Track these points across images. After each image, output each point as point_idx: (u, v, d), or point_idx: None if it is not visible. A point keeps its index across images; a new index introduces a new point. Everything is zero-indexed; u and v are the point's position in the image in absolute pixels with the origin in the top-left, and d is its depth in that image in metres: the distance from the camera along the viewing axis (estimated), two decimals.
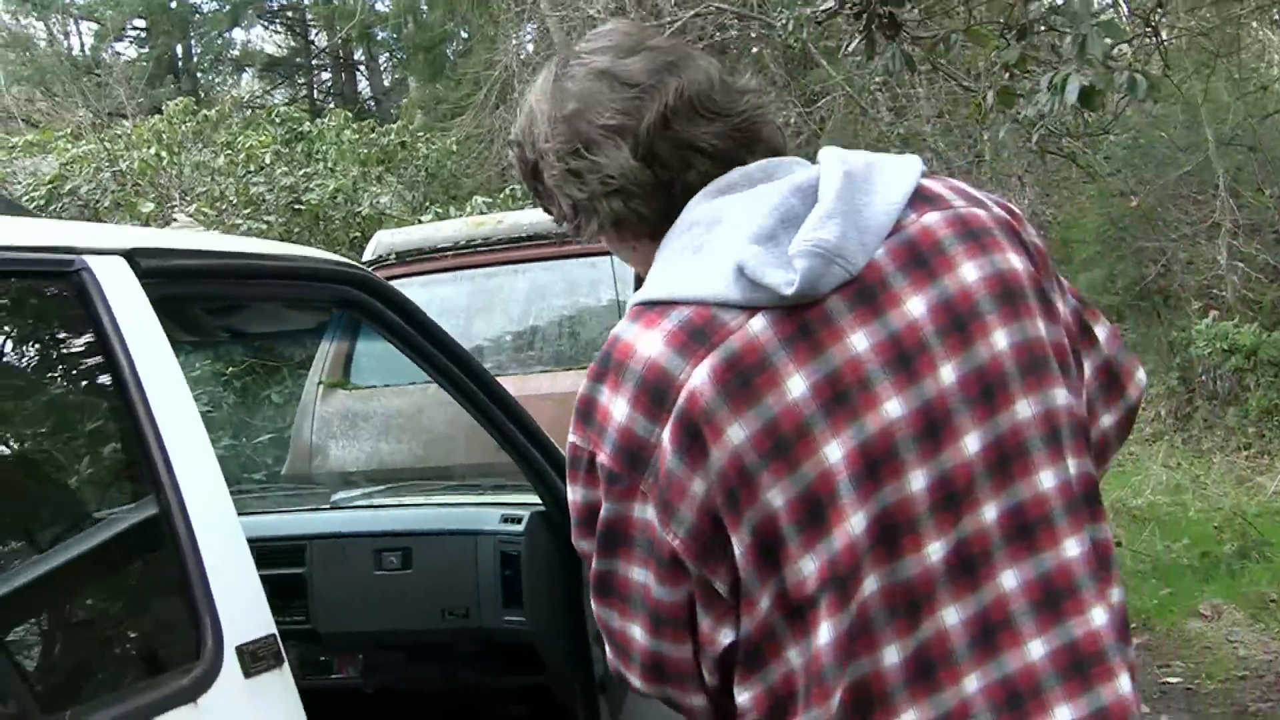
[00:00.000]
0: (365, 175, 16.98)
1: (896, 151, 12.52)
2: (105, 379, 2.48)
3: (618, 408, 1.98)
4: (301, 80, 38.82)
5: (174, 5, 37.17)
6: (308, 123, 18.28)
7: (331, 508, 4.71)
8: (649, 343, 1.97)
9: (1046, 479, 1.99)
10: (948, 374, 1.97)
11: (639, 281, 2.17)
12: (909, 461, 1.93)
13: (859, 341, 1.95)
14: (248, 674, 2.40)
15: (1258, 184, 15.97)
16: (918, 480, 1.93)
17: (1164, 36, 7.81)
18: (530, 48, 26.05)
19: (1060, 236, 18.73)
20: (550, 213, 2.28)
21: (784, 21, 17.89)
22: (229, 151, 15.72)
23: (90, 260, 2.50)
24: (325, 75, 39.67)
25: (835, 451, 1.90)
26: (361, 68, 38.96)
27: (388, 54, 38.26)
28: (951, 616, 1.93)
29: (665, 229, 2.10)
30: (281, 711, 2.49)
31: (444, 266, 7.81)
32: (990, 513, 1.95)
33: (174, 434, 2.46)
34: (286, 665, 2.51)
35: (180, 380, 2.56)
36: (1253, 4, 12.00)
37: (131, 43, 37.80)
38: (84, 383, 2.68)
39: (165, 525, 2.40)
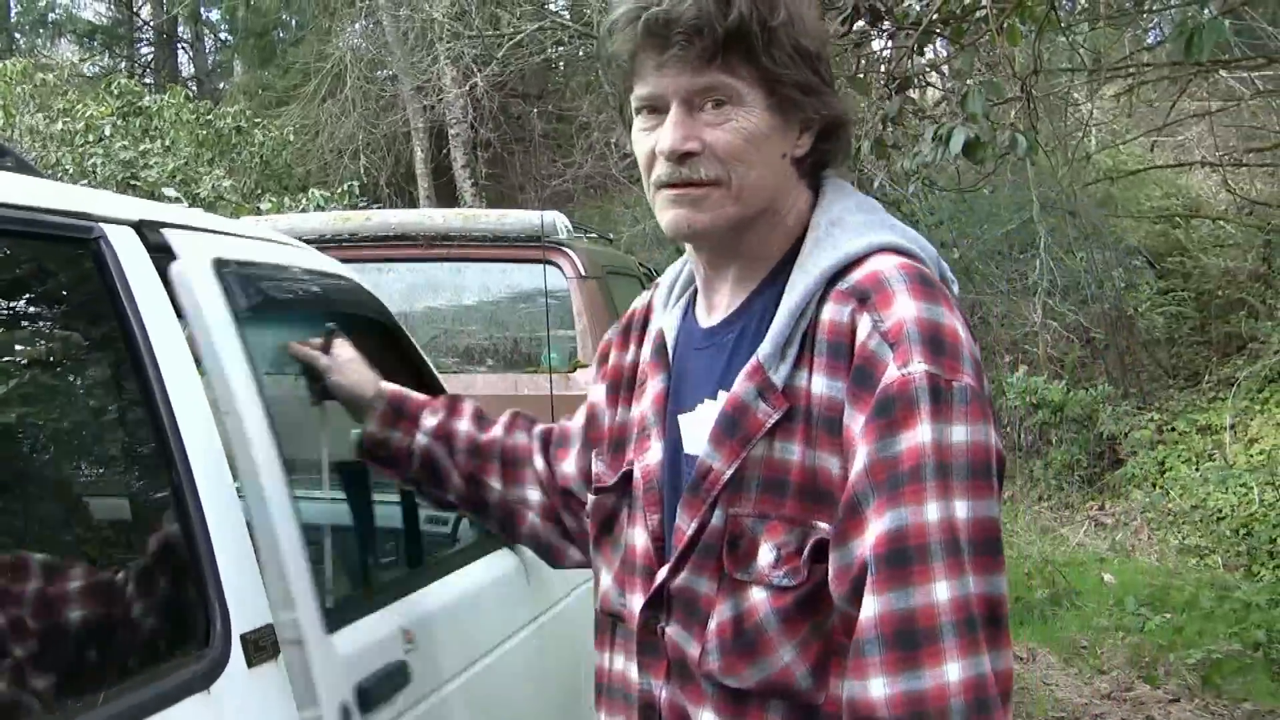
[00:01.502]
0: (199, 157, 16.71)
1: None
2: (121, 354, 2.47)
3: (962, 331, 2.04)
4: (121, 52, 37.97)
5: None
6: (147, 97, 17.93)
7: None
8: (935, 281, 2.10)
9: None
10: None
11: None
12: None
13: None
14: (250, 663, 2.40)
15: (1070, 247, 16.50)
16: None
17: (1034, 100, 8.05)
18: (363, 43, 25.86)
19: None
20: (729, 52, 2.13)
21: None
22: (67, 119, 15.35)
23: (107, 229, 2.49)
24: (146, 49, 38.88)
25: None
26: (185, 45, 38.28)
27: (213, 35, 37.69)
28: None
29: (811, 185, 2.29)
30: (279, 702, 2.49)
31: None
32: None
33: (184, 414, 2.45)
34: (282, 657, 2.51)
35: (189, 360, 2.55)
36: (1076, 77, 12.41)
37: None
38: (99, 358, 2.65)
39: (178, 506, 2.40)
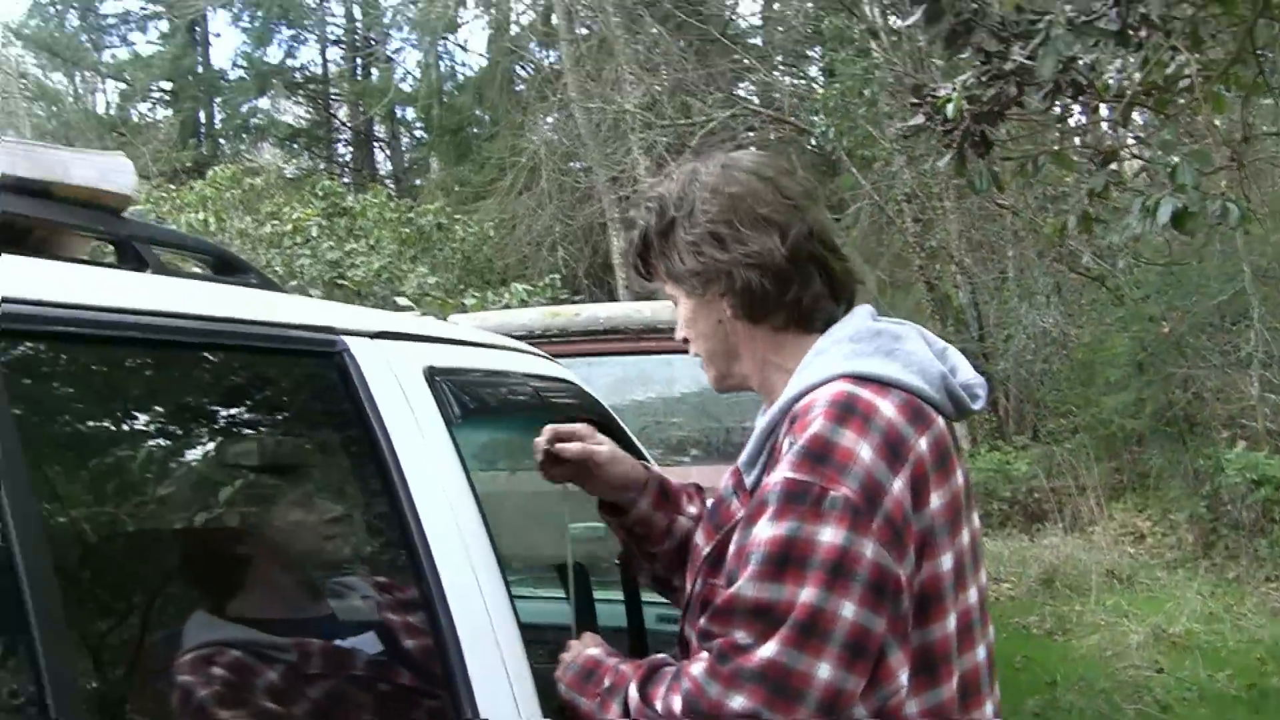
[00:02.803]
0: (401, 255, 17.03)
1: (920, 262, 12.75)
2: (365, 456, 2.51)
3: (863, 451, 2.31)
4: (320, 153, 39.01)
5: (201, 70, 37.48)
6: (350, 197, 18.35)
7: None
8: (886, 406, 2.36)
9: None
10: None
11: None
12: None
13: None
14: None
15: None
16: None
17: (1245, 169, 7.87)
18: (556, 136, 26.19)
19: (1085, 358, 18.80)
20: (651, 269, 2.71)
21: (821, 129, 18.15)
22: (275, 222, 15.76)
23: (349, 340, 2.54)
24: (344, 149, 39.89)
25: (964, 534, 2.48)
26: (382, 144, 39.15)
27: (408, 133, 38.50)
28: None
29: (789, 325, 2.60)
30: None
31: None
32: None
33: (430, 514, 2.48)
34: None
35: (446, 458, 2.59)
36: None
37: (156, 104, 38.12)
38: (346, 460, 2.70)
39: (426, 605, 2.43)
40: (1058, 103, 7.75)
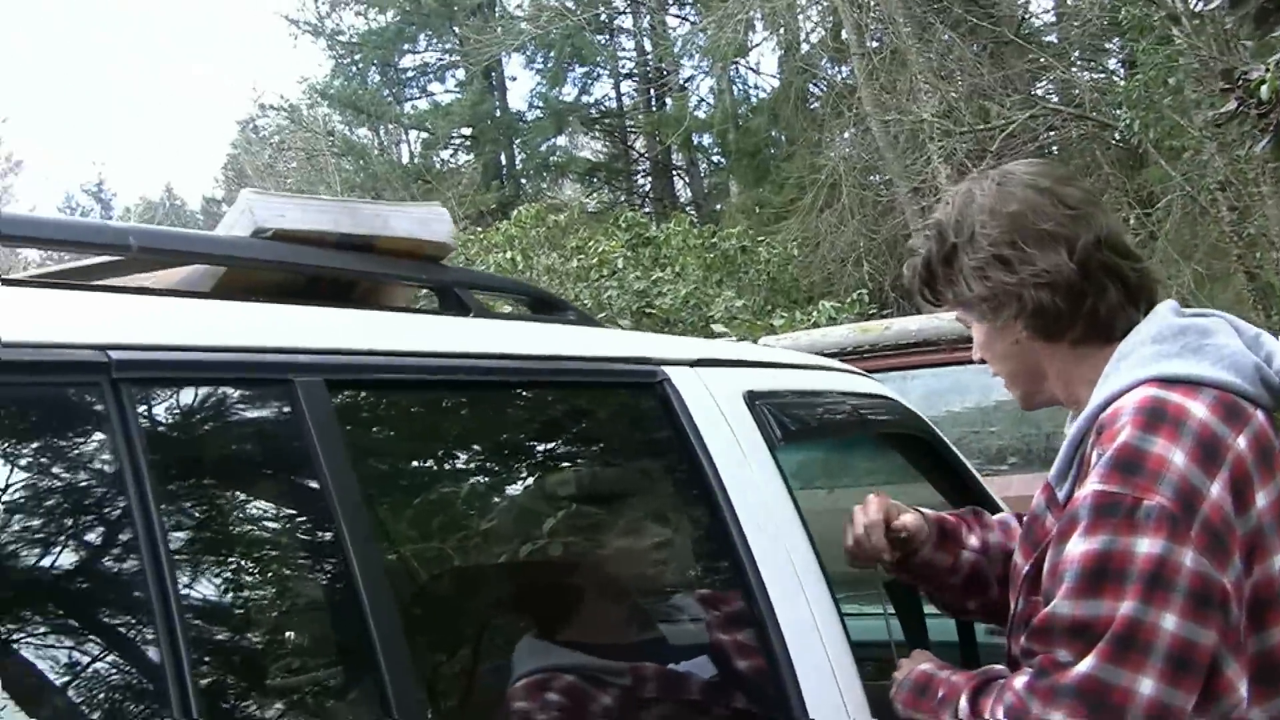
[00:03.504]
0: (707, 280, 17.16)
1: (1239, 252, 12.33)
2: (691, 482, 2.55)
3: (1176, 457, 2.23)
4: (620, 185, 39.58)
5: (499, 114, 38.40)
6: (653, 227, 18.60)
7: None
8: (1197, 408, 2.28)
9: None
10: None
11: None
12: None
13: None
14: None
15: None
16: None
17: None
18: (854, 151, 26.13)
19: None
20: (939, 295, 2.62)
21: (1126, 121, 17.74)
22: (581, 256, 16.05)
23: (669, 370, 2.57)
24: (642, 179, 40.38)
25: None
26: (680, 172, 39.52)
27: (706, 159, 38.80)
28: None
29: (1088, 338, 2.50)
30: None
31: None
32: None
33: (757, 538, 2.49)
34: None
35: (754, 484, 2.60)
36: None
37: (458, 150, 39.17)
38: (672, 486, 2.74)
39: (756, 622, 2.47)
40: None
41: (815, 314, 15.01)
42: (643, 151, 39.90)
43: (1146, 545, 2.17)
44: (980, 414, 8.13)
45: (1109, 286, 2.48)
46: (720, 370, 2.76)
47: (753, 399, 2.78)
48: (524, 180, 38.75)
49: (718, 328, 12.55)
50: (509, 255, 15.65)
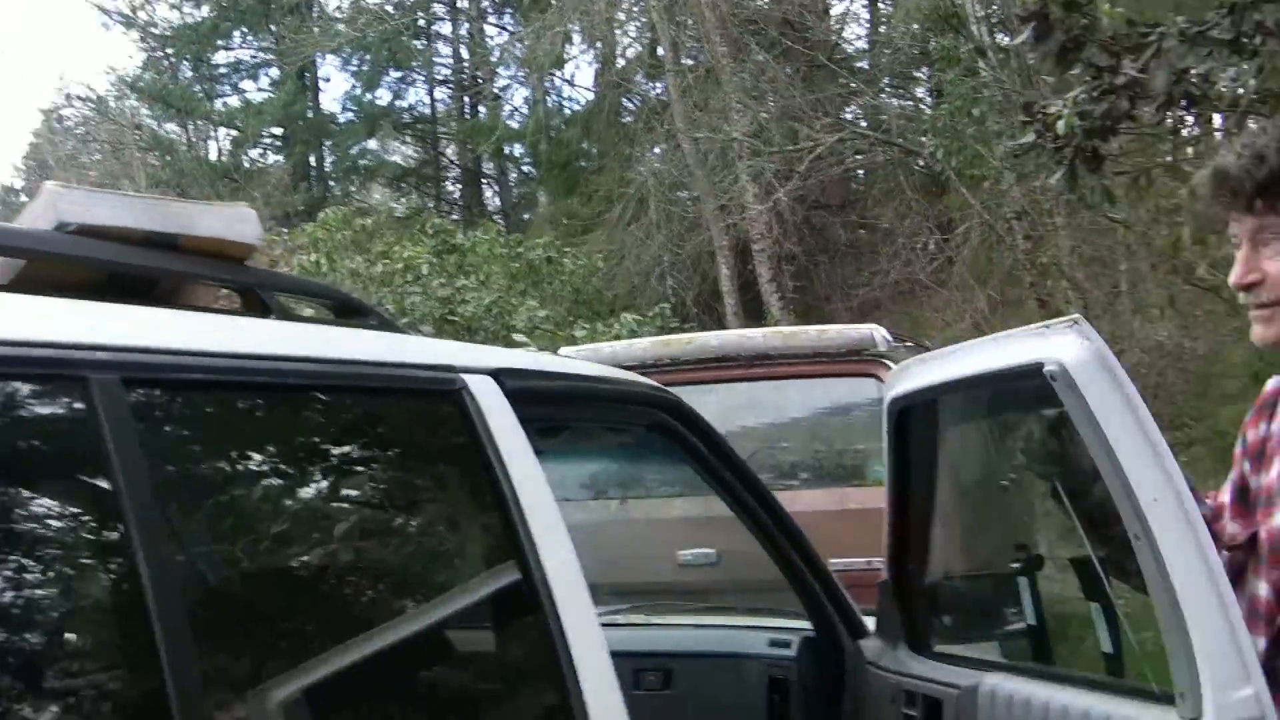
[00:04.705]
0: (511, 289, 17.16)
1: (1032, 279, 12.67)
2: (487, 495, 2.56)
3: None
4: (429, 191, 39.40)
5: (311, 115, 38.03)
6: (460, 234, 18.54)
7: None
8: None
9: None
10: None
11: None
12: None
13: None
14: None
15: None
16: None
17: None
18: (663, 167, 26.30)
19: (1201, 371, 18.57)
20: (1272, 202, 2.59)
21: (930, 150, 18.09)
22: (386, 261, 15.95)
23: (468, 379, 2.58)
24: (451, 186, 40.23)
25: None
26: (490, 180, 39.47)
27: (516, 168, 38.78)
28: None
29: None
30: None
31: None
32: None
33: (549, 550, 2.52)
34: None
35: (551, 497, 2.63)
36: None
37: (267, 149, 38.72)
38: (467, 498, 2.75)
39: (546, 641, 2.47)
40: (1170, 114, 7.71)
41: (617, 326, 15.08)
42: (454, 159, 39.77)
43: None
44: (774, 430, 8.22)
45: None
46: (518, 380, 2.77)
47: (547, 408, 2.81)
48: (333, 182, 38.45)
49: (519, 337, 12.53)
50: (314, 258, 15.48)
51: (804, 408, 8.14)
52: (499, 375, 2.69)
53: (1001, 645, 3.55)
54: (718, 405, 7.85)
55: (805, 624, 4.13)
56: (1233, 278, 2.66)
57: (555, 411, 3.10)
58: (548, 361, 3.21)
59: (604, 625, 4.58)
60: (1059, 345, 2.70)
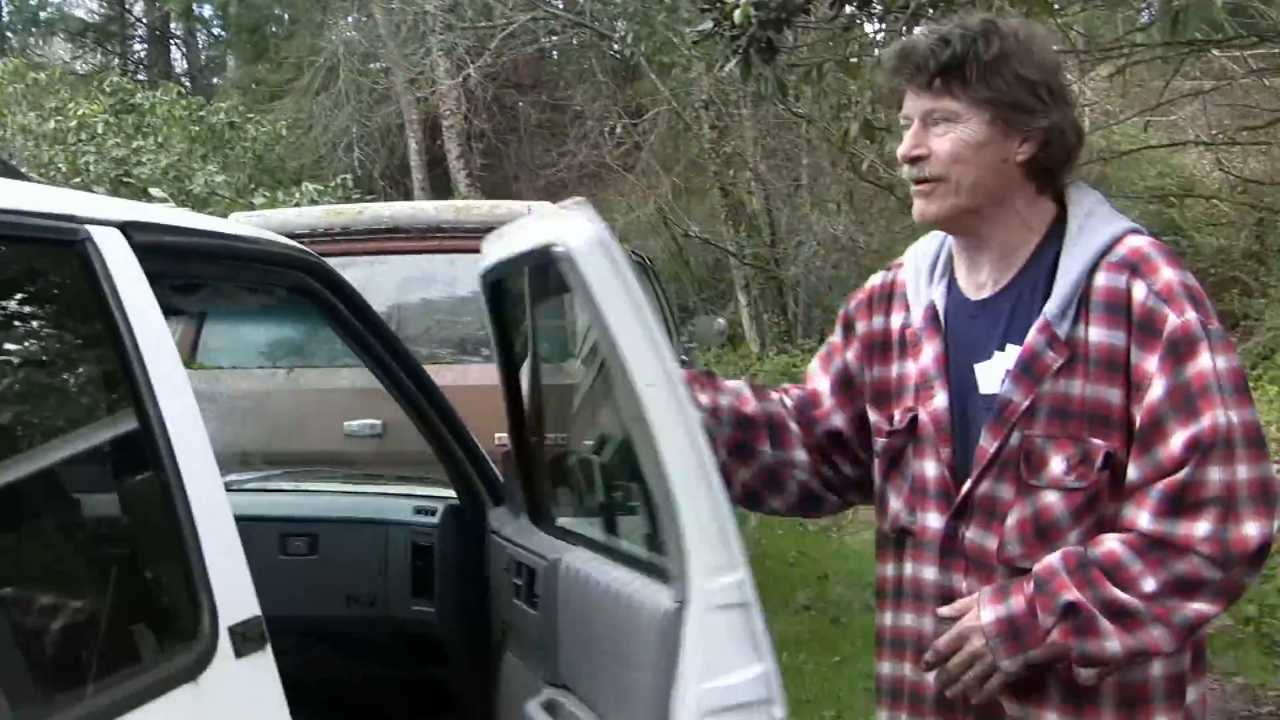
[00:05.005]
0: (191, 153, 16.71)
1: (716, 169, 12.85)
2: (108, 351, 2.49)
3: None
4: (114, 49, 38.00)
5: None
6: (140, 94, 17.96)
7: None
8: None
9: None
10: None
11: None
12: None
13: None
14: (239, 654, 2.42)
15: None
16: None
17: None
18: (356, 36, 25.90)
19: (872, 264, 19.13)
20: (958, 81, 2.72)
21: (622, 34, 18.11)
22: (59, 118, 15.36)
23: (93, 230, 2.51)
24: (138, 47, 38.91)
25: None
26: (178, 41, 38.28)
27: (205, 30, 37.67)
28: None
29: (1046, 192, 2.81)
30: (267, 691, 2.51)
31: None
32: None
33: (171, 410, 2.47)
34: (269, 647, 2.52)
35: (175, 356, 2.58)
36: (1068, 59, 12.38)
37: None
38: (87, 354, 2.68)
39: (166, 501, 2.42)
40: (843, 12, 7.85)
41: (298, 196, 14.81)
42: (140, 17, 38.41)
43: (1233, 360, 2.63)
44: (452, 304, 8.18)
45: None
46: (147, 234, 2.70)
47: (178, 263, 2.76)
48: (11, 35, 36.74)
49: (156, 192, 12.20)
50: None
51: (477, 284, 8.11)
52: (126, 228, 2.61)
53: (591, 520, 3.63)
54: (391, 277, 7.82)
55: (453, 494, 4.19)
56: (901, 149, 2.80)
57: (187, 268, 3.05)
58: (181, 217, 3.12)
59: (252, 491, 4.60)
60: (571, 228, 2.73)
